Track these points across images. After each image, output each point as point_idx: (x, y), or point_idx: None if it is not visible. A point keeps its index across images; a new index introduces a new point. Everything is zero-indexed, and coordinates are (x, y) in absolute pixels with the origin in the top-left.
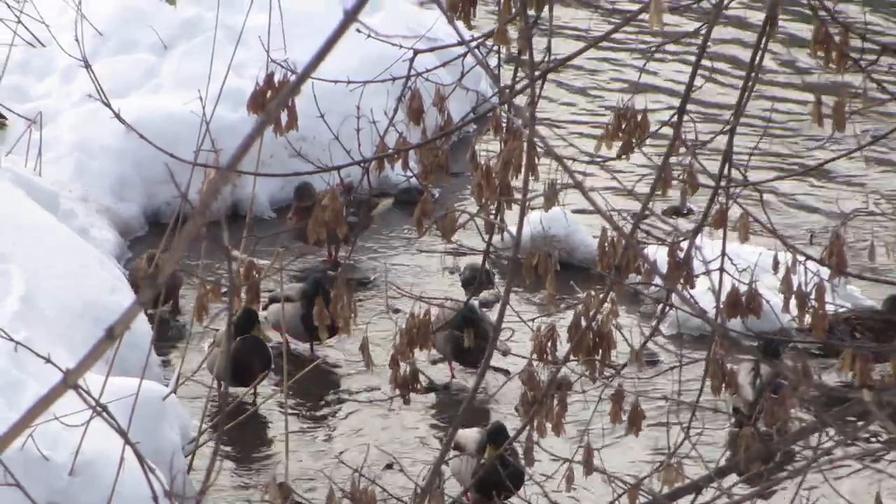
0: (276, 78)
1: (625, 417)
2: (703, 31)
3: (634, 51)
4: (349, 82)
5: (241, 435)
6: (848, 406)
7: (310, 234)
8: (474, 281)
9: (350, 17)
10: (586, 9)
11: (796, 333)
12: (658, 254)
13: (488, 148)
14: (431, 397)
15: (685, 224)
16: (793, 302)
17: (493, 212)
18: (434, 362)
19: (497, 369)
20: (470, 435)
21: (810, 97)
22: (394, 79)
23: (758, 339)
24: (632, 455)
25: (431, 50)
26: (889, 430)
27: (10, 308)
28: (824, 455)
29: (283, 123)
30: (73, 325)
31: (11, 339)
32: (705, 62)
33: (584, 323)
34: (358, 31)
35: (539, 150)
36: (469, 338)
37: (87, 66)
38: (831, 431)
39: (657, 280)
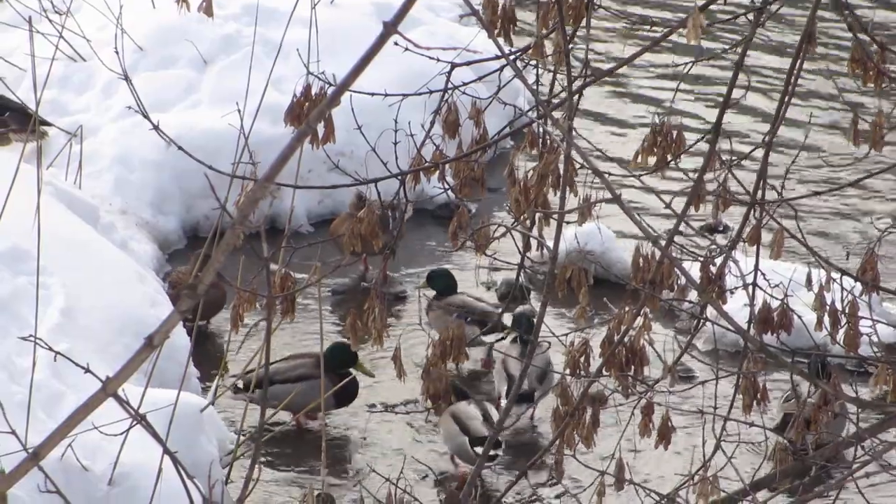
0: (314, 91)
1: (655, 430)
2: (739, 49)
3: (668, 66)
4: (386, 95)
5: (278, 446)
6: (884, 420)
7: (345, 247)
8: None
9: (389, 28)
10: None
11: (832, 349)
12: (692, 270)
13: (527, 164)
14: None
15: (720, 240)
16: (826, 319)
17: (529, 226)
18: (469, 375)
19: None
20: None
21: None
22: (430, 92)
23: (793, 354)
24: (667, 469)
25: (469, 64)
26: None
27: (50, 320)
28: (860, 468)
29: (320, 136)
30: (113, 338)
31: (52, 350)
32: (743, 77)
33: (616, 338)
34: (396, 43)
35: (576, 163)
36: (508, 335)
37: (127, 78)
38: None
39: (691, 296)
